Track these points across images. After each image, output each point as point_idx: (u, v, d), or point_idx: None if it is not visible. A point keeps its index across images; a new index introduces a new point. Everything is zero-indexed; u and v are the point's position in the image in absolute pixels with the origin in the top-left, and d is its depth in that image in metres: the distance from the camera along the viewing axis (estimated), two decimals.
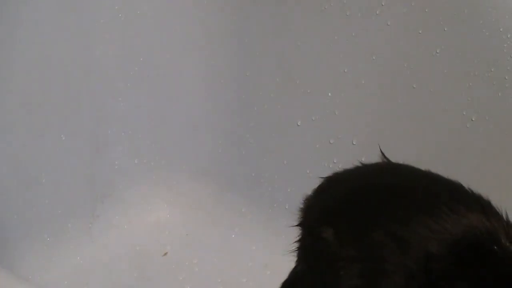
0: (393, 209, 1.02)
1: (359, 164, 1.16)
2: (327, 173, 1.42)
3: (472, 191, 1.03)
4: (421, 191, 1.05)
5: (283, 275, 1.21)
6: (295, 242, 1.15)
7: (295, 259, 1.17)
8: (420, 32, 1.30)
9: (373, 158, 1.38)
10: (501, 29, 1.23)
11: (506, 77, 1.23)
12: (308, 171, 1.45)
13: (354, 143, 1.40)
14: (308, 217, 1.14)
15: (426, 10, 1.28)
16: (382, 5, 1.32)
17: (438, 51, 1.29)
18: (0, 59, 1.34)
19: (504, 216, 0.99)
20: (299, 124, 1.46)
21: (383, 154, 1.15)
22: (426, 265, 0.96)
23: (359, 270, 1.02)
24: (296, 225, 1.16)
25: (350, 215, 1.06)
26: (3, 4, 1.32)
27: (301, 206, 1.16)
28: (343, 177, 1.16)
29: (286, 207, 1.48)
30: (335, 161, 1.43)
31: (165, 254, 1.47)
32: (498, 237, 0.96)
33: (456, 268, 0.95)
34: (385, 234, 1.00)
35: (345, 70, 1.38)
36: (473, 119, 1.27)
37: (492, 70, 1.24)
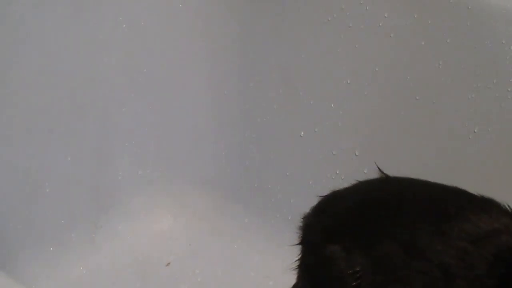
0: (398, 218, 1.02)
1: (357, 182, 1.16)
2: (330, 184, 1.42)
3: (472, 193, 1.03)
4: (423, 198, 1.05)
5: (286, 286, 1.21)
6: (296, 260, 1.15)
7: (295, 275, 1.17)
8: (423, 44, 1.30)
9: (375, 169, 1.38)
10: (503, 41, 1.23)
11: (509, 89, 1.24)
12: (310, 182, 1.46)
13: (356, 154, 1.40)
14: (309, 236, 1.14)
15: (429, 22, 1.29)
16: (385, 17, 1.32)
17: (440, 63, 1.29)
18: (6, 69, 1.35)
19: (509, 209, 0.99)
20: (302, 135, 1.46)
21: (379, 169, 1.15)
22: (444, 269, 0.96)
23: (371, 281, 1.02)
24: (297, 244, 1.16)
25: (354, 230, 1.06)
26: (9, 14, 1.33)
27: (300, 224, 1.16)
28: (343, 194, 1.16)
29: (289, 218, 1.48)
30: (337, 172, 1.43)
31: (168, 264, 1.48)
32: (507, 234, 0.96)
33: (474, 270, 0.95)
34: (393, 242, 1.00)
35: (348, 82, 1.39)
36: (475, 131, 1.28)
37: (495, 81, 1.25)
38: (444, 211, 1.00)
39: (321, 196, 1.16)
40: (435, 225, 0.98)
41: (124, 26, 1.46)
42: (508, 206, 1.00)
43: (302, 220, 1.16)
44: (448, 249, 0.96)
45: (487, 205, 1.01)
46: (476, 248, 0.95)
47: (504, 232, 0.96)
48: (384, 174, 1.16)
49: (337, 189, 1.18)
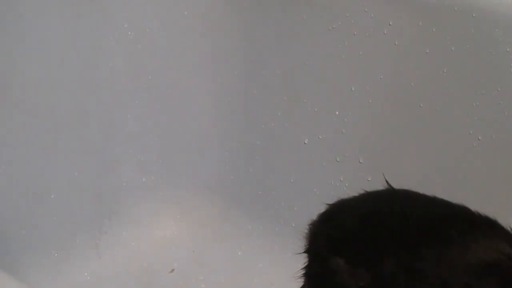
0: (402, 238, 1.02)
1: (364, 192, 1.15)
2: (334, 191, 1.43)
3: (479, 213, 1.03)
4: (429, 217, 1.04)
5: None
6: (302, 268, 1.15)
7: (300, 282, 1.17)
8: (427, 51, 1.30)
9: (379, 176, 1.38)
10: (507, 49, 1.23)
11: None
12: (314, 189, 1.46)
13: (360, 162, 1.41)
14: (314, 245, 1.13)
15: (434, 30, 1.29)
16: (390, 24, 1.33)
17: (445, 71, 1.29)
18: (12, 76, 1.35)
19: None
20: (306, 142, 1.46)
21: (387, 182, 1.14)
22: None
23: None
24: (303, 252, 1.15)
25: (360, 244, 1.05)
26: (14, 19, 1.34)
27: (307, 232, 1.15)
28: (350, 204, 1.15)
29: (293, 225, 1.48)
30: (341, 180, 1.43)
31: (172, 270, 1.48)
32: (509, 263, 0.95)
33: None
34: (396, 263, 0.99)
35: (352, 89, 1.39)
36: (479, 138, 1.28)
37: (499, 89, 1.25)
38: (447, 234, 0.99)
39: (328, 204, 1.15)
40: (437, 250, 0.98)
41: (129, 32, 1.47)
42: (511, 228, 1.00)
43: (308, 227, 1.15)
44: (450, 279, 0.96)
45: (489, 228, 1.00)
46: (477, 280, 0.95)
47: (506, 261, 0.96)
48: (391, 187, 1.15)
49: (345, 197, 1.17)
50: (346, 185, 1.41)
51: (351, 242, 1.07)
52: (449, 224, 1.01)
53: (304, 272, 1.14)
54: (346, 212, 1.13)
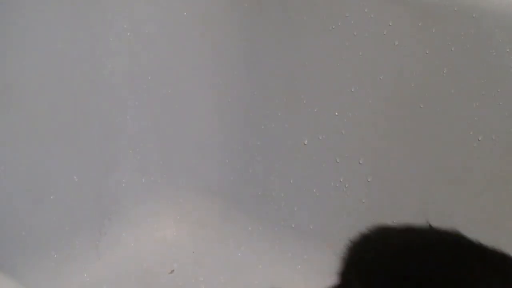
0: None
1: (405, 225, 1.14)
2: (334, 192, 1.43)
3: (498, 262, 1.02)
4: (461, 270, 1.03)
5: None
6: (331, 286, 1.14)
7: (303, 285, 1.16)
8: (427, 52, 1.30)
9: (379, 178, 1.38)
10: (507, 50, 1.23)
11: None
12: (314, 190, 1.46)
13: (360, 162, 1.40)
14: (348, 271, 1.13)
15: (433, 30, 1.29)
16: (390, 25, 1.32)
17: (445, 71, 1.29)
18: (12, 76, 1.35)
19: None
20: (306, 143, 1.46)
21: (430, 224, 1.13)
22: None
23: None
24: (337, 273, 1.15)
25: (390, 286, 1.05)
26: (15, 21, 1.34)
27: (344, 253, 1.14)
28: (388, 237, 1.14)
29: (293, 226, 1.48)
30: (341, 180, 1.43)
31: (172, 271, 1.48)
32: None
33: None
34: None
35: (352, 90, 1.39)
36: (479, 139, 1.27)
37: (499, 90, 1.25)
38: None
39: (368, 229, 1.14)
40: None
41: (128, 34, 1.47)
42: None
43: (347, 247, 1.14)
44: None
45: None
46: None
47: None
48: (432, 226, 1.14)
49: (385, 224, 1.15)
50: (346, 186, 1.41)
51: (382, 280, 1.06)
52: (484, 283, 1.01)
53: None
54: (384, 245, 1.12)
